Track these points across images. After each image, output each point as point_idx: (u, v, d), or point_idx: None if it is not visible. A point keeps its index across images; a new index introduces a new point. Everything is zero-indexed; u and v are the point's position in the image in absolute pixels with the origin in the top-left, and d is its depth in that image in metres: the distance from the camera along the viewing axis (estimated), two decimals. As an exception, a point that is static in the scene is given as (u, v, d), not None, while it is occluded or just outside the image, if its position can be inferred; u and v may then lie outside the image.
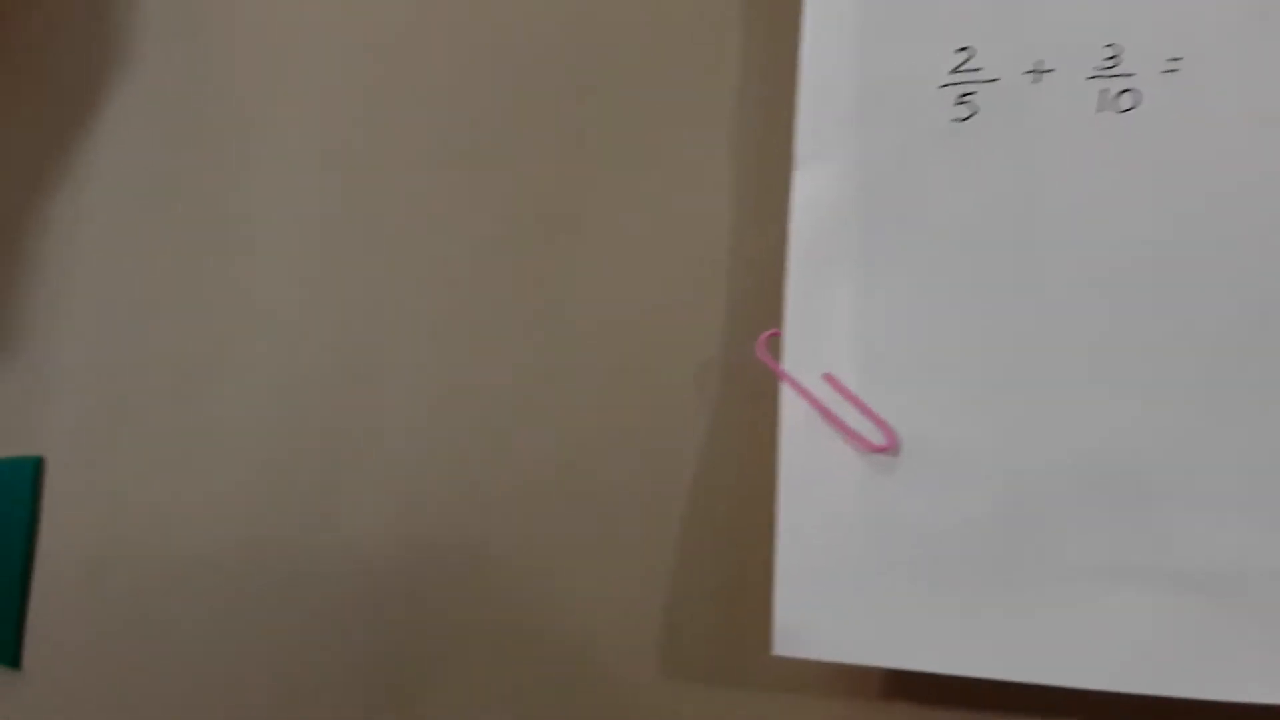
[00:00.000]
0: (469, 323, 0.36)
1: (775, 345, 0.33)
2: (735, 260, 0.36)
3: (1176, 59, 0.30)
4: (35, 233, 0.37)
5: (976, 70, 0.34)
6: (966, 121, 0.33)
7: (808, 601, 0.30)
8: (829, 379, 0.32)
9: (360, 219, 0.37)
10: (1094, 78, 0.31)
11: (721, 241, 0.36)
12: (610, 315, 0.35)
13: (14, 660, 0.33)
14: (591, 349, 0.35)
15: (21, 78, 0.39)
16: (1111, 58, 0.31)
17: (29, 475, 0.35)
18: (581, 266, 0.36)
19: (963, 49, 0.34)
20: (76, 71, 0.39)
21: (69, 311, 0.37)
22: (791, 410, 0.32)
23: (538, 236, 0.36)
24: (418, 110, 0.38)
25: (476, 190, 0.37)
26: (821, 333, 0.33)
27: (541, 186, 0.37)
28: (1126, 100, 0.31)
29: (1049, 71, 0.33)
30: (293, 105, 0.38)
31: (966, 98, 0.34)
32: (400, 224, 0.37)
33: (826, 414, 0.32)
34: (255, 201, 0.37)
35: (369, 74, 0.38)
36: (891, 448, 0.31)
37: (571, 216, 0.36)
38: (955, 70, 0.34)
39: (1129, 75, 0.31)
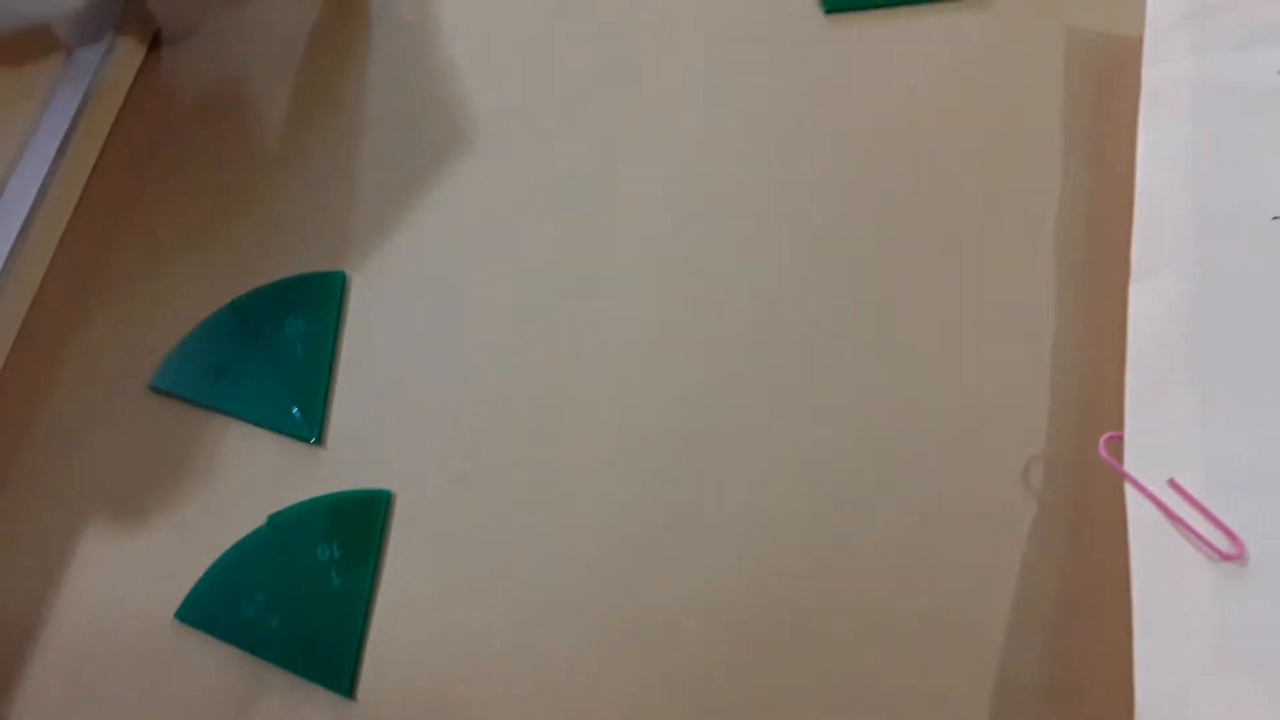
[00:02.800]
0: (802, 402, 0.37)
1: (1114, 447, 0.34)
2: (1057, 359, 0.37)
3: None
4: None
5: (1310, 206, 0.36)
6: (1302, 252, 0.35)
7: (1165, 698, 0.31)
8: (1174, 485, 0.33)
9: (703, 298, 0.39)
10: None
11: (1044, 339, 0.37)
12: (937, 403, 0.37)
13: (349, 691, 0.34)
14: (917, 436, 0.36)
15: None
16: None
17: (382, 507, 0.36)
18: (910, 354, 0.37)
19: (1296, 185, 0.36)
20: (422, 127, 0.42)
21: (447, 350, 0.39)
22: (1138, 513, 0.33)
23: (869, 323, 0.38)
24: (760, 193, 0.40)
25: (813, 277, 0.39)
26: (1163, 439, 0.34)
27: (876, 276, 0.39)
28: None
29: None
30: (644, 179, 0.41)
31: (1301, 231, 0.35)
32: (739, 301, 0.39)
33: (1174, 519, 0.33)
34: (613, 262, 0.39)
35: (725, 163, 0.41)
36: (1240, 557, 0.32)
37: (902, 305, 0.38)
38: (1290, 204, 0.36)
39: None
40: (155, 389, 0.39)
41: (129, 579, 0.37)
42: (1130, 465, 0.34)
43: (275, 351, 0.39)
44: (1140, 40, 0.40)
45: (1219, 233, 0.36)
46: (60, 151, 0.42)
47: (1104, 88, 0.42)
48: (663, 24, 0.44)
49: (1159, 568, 0.32)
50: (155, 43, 0.46)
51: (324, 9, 0.46)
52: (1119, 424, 0.34)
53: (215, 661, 0.35)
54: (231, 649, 0.35)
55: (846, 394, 0.37)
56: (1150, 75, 0.39)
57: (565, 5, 0.45)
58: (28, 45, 0.43)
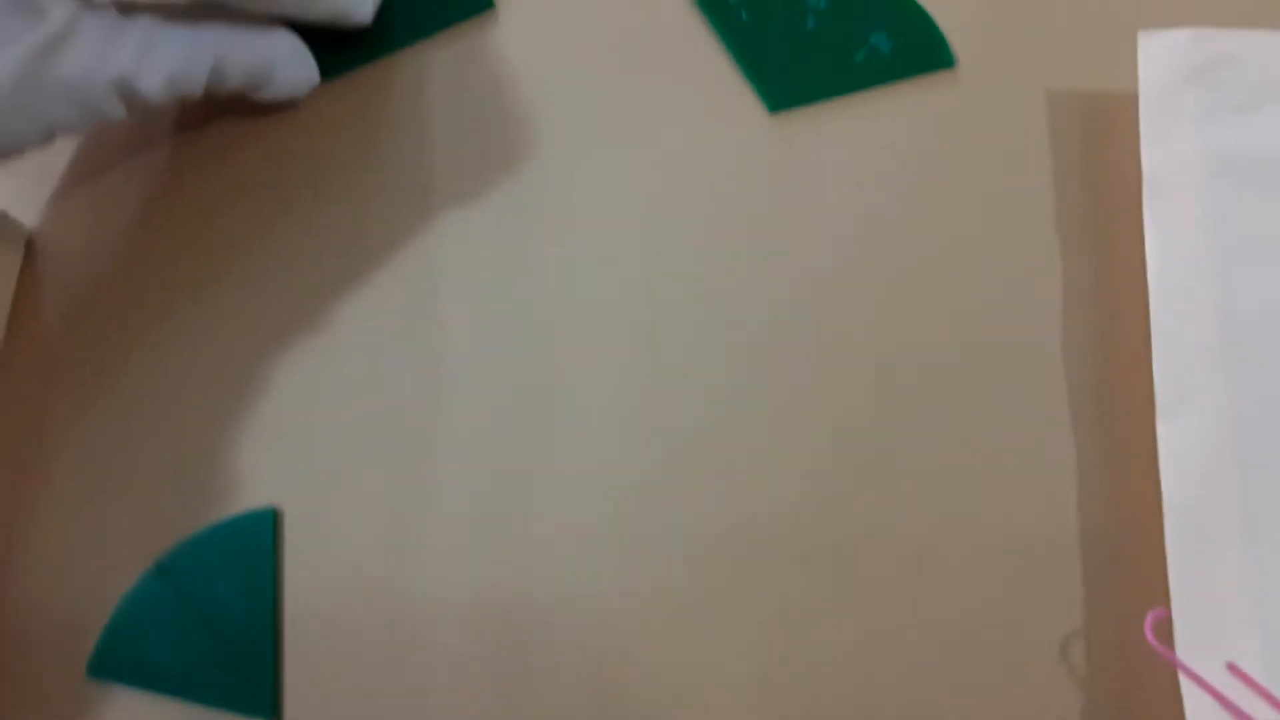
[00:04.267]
0: (799, 555, 0.33)
1: (1162, 628, 0.30)
2: (1085, 511, 0.33)
3: None
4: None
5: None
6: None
7: None
8: (1233, 670, 0.29)
9: (682, 447, 0.34)
10: None
11: (1068, 487, 0.33)
12: (959, 581, 0.32)
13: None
14: (940, 623, 0.32)
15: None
16: None
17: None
18: (917, 526, 0.33)
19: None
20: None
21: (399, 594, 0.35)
22: (1196, 707, 0.29)
23: (863, 496, 0.33)
24: (713, 334, 0.36)
25: (780, 439, 0.34)
26: (1216, 611, 0.30)
27: (855, 436, 0.34)
28: None
29: None
30: (593, 330, 0.36)
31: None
32: (713, 467, 0.34)
33: (1236, 712, 0.28)
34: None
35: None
36: (1318, 750, 0.28)
37: (895, 467, 0.34)
38: (1333, 307, 0.31)
39: None
40: (92, 678, 0.35)
41: None
42: (1183, 650, 0.29)
43: (211, 617, 0.35)
44: (1132, 94, 0.34)
45: (1257, 347, 0.31)
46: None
47: (1098, 155, 0.36)
48: (594, 152, 0.38)
49: (1226, 772, 0.28)
50: (29, 251, 0.40)
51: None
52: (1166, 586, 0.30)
53: None
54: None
55: (842, 583, 0.33)
56: (1150, 159, 0.33)
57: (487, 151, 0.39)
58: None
